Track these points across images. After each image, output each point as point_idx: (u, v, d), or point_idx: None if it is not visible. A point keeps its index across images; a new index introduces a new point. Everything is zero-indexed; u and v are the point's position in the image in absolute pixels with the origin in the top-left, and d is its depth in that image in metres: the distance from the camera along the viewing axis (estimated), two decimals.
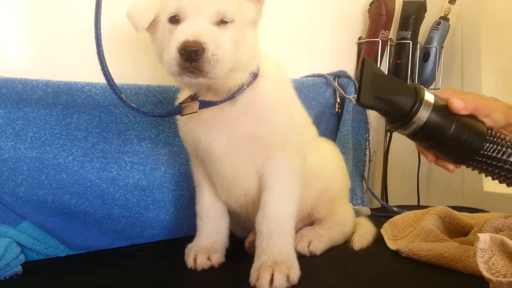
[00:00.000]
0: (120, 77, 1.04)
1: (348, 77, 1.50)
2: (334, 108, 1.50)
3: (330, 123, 1.50)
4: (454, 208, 1.21)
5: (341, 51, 1.61)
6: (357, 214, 1.39)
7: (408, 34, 1.56)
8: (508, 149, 0.78)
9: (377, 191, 1.69)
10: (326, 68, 1.52)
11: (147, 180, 1.11)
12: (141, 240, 1.12)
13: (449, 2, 1.61)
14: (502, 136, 0.80)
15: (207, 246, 0.93)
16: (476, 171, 0.84)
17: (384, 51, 1.55)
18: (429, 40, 1.63)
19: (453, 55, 1.72)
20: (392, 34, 1.60)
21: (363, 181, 1.56)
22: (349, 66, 1.61)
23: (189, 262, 0.91)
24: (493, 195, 1.49)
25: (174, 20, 0.80)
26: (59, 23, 1.13)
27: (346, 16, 1.60)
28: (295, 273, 0.81)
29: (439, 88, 1.68)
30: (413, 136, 0.82)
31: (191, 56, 0.73)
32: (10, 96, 0.96)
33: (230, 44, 0.79)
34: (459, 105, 0.77)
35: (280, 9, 1.45)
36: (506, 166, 0.77)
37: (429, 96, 0.79)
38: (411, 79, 1.63)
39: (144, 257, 1.04)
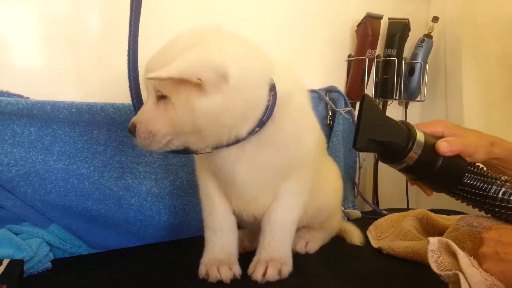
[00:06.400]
0: None
1: (338, 92, 1.60)
2: (326, 120, 1.59)
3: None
4: (439, 210, 1.31)
5: (332, 68, 1.70)
6: (348, 216, 1.52)
7: (394, 51, 1.68)
8: (488, 179, 0.83)
9: (369, 195, 1.79)
10: (318, 83, 1.61)
11: (158, 188, 1.20)
12: (154, 240, 1.21)
13: (432, 21, 1.72)
14: (482, 169, 0.86)
15: (224, 258, 0.93)
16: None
17: (371, 68, 1.66)
18: (414, 56, 1.74)
19: (437, 69, 1.83)
20: (380, 50, 1.71)
21: (354, 186, 1.67)
22: (340, 82, 1.70)
23: (215, 275, 0.89)
24: None
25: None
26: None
27: (336, 35, 1.69)
28: (287, 269, 0.90)
29: (424, 100, 1.80)
30: (402, 171, 0.87)
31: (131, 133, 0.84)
32: (40, 116, 1.06)
33: (165, 118, 0.80)
34: (445, 148, 0.82)
35: (278, 30, 1.55)
36: (485, 194, 0.82)
37: (420, 136, 0.83)
38: (397, 91, 1.75)
39: (157, 255, 1.13)
